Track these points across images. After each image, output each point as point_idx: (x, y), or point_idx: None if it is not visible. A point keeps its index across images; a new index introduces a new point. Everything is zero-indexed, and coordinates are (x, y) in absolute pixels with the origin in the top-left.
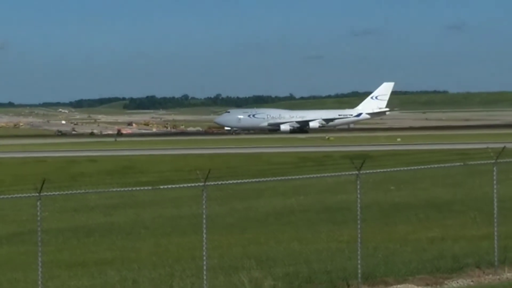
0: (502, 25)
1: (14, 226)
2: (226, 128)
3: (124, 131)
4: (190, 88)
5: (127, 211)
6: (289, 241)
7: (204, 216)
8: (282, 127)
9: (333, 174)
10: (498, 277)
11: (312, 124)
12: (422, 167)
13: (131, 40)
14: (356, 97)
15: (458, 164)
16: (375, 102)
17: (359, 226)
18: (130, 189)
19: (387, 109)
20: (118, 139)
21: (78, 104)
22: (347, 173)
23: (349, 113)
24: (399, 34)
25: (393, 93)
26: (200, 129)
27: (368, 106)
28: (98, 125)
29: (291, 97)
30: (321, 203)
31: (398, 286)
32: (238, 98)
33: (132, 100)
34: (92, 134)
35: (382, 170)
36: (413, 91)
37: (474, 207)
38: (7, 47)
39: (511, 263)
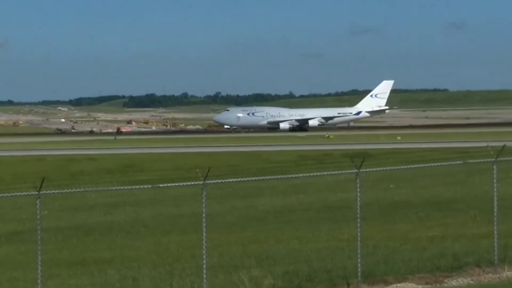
0: (502, 23)
1: (13, 225)
2: (225, 126)
3: (123, 130)
4: (190, 86)
5: (126, 210)
6: (289, 240)
7: (204, 215)
8: (282, 125)
9: (333, 172)
10: (498, 275)
11: (311, 123)
12: (422, 165)
13: (131, 38)
14: (356, 96)
15: (458, 162)
16: (375, 100)
17: (359, 225)
18: (129, 187)
19: (387, 107)
20: (118, 137)
21: (78, 102)
22: (347, 171)
23: (349, 112)
24: (399, 32)
25: (393, 91)
26: (200, 127)
27: (367, 104)
28: (98, 123)
29: (291, 95)
30: (321, 202)
31: (398, 285)
32: (238, 96)
33: (131, 98)
34: (91, 133)
35: (382, 169)
36: (413, 89)
37: (474, 206)
38: (6, 46)
39: (511, 262)
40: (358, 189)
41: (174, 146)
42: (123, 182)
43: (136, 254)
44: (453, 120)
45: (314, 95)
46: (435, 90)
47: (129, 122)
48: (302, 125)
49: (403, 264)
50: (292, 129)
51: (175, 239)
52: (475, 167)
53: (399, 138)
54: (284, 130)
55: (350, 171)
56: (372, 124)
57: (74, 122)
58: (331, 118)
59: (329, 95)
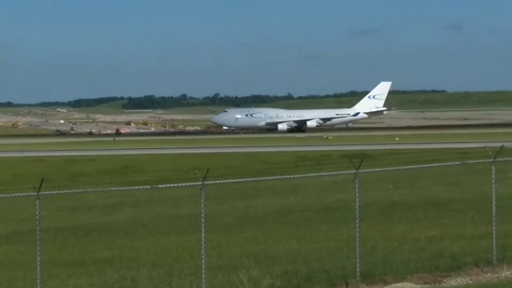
0: (500, 24)
1: (13, 226)
2: (224, 127)
3: (122, 131)
4: (189, 88)
5: (125, 211)
6: (288, 240)
7: (203, 215)
8: (280, 126)
9: (331, 173)
10: (496, 275)
11: (309, 124)
12: (421, 166)
13: (130, 40)
14: (355, 97)
15: (457, 163)
16: (373, 102)
17: (357, 225)
18: (128, 188)
19: (385, 108)
20: (117, 138)
21: (77, 104)
22: (345, 172)
23: (347, 113)
24: (398, 34)
25: (392, 92)
26: (199, 128)
27: (365, 106)
28: (97, 125)
29: (289, 97)
30: (320, 202)
31: (397, 284)
32: (236, 97)
33: (130, 99)
34: (90, 134)
35: (380, 169)
36: (412, 90)
37: (472, 206)
38: (5, 47)
39: (509, 262)
40: (356, 190)
41: (173, 147)
42: (122, 183)
43: (135, 254)
44: (451, 121)
45: (313, 96)
46: (433, 91)
47: (128, 123)
48: (300, 126)
49: (401, 264)
50: (290, 130)
51: (174, 239)
52: (474, 168)
53: (397, 139)
54: (282, 131)
55: (349, 171)
56: (370, 125)
57: (73, 124)
58: (329, 119)
59: (327, 96)
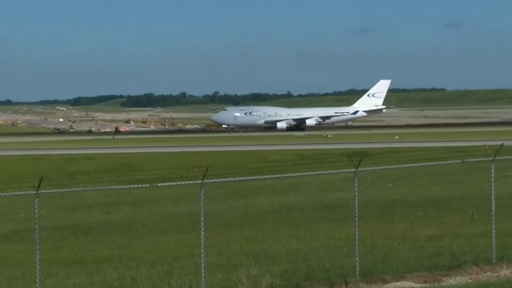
0: (500, 23)
1: (12, 224)
2: (223, 126)
3: (122, 129)
4: (188, 86)
5: (125, 209)
6: (287, 239)
7: (202, 214)
8: (279, 124)
9: (331, 171)
10: (496, 274)
11: (308, 122)
12: (420, 164)
13: (129, 38)
14: (354, 95)
15: (456, 161)
16: (372, 100)
17: (357, 224)
18: (127, 187)
19: (384, 106)
20: (116, 137)
21: (76, 102)
22: (345, 170)
23: (346, 111)
24: (397, 32)
25: (391, 90)
26: (198, 126)
27: (364, 104)
28: (96, 123)
29: (289, 95)
30: (319, 201)
31: (396, 283)
32: (236, 95)
33: (130, 98)
34: (90, 132)
35: (380, 168)
36: (411, 88)
37: (472, 205)
38: (5, 45)
39: (509, 260)
40: (356, 188)
41: (172, 146)
42: (121, 181)
43: (134, 253)
44: (451, 120)
45: (312, 95)
46: (433, 90)
47: (128, 121)
48: (299, 125)
49: (401, 263)
50: (289, 129)
51: (174, 238)
52: (473, 166)
53: (397, 137)
54: (281, 130)
55: (348, 170)
56: (370, 123)
57: (73, 122)
58: (328, 117)
59: (327, 94)
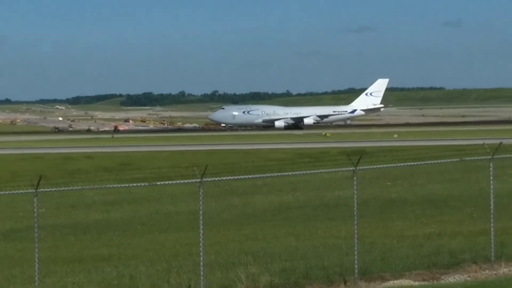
0: (498, 21)
1: (11, 223)
2: (222, 124)
3: (121, 128)
4: (187, 85)
5: (124, 208)
6: (286, 237)
7: (201, 212)
8: (277, 123)
9: (330, 170)
10: (494, 272)
11: (306, 121)
12: (419, 163)
13: (128, 36)
14: (353, 94)
15: (455, 160)
16: (370, 99)
17: (355, 222)
18: (126, 185)
19: (382, 105)
20: (115, 135)
21: (75, 101)
22: (344, 169)
23: (344, 110)
24: (396, 31)
25: (390, 89)
26: (197, 125)
27: (362, 103)
28: (95, 122)
29: (287, 94)
30: (318, 199)
31: (395, 281)
32: (235, 94)
33: (129, 96)
34: (89, 131)
35: (378, 166)
36: (410, 87)
37: (470, 203)
38: (4, 44)
39: (507, 259)
40: (355, 187)
41: (171, 144)
42: (120, 180)
43: (133, 251)
44: (450, 118)
45: (311, 94)
46: (431, 88)
47: (127, 120)
48: (297, 123)
49: (400, 261)
50: (287, 127)
51: (172, 236)
52: (472, 165)
53: (395, 135)
54: (279, 128)
55: (347, 168)
56: (369, 122)
57: (72, 121)
58: (326, 116)
59: (326, 93)
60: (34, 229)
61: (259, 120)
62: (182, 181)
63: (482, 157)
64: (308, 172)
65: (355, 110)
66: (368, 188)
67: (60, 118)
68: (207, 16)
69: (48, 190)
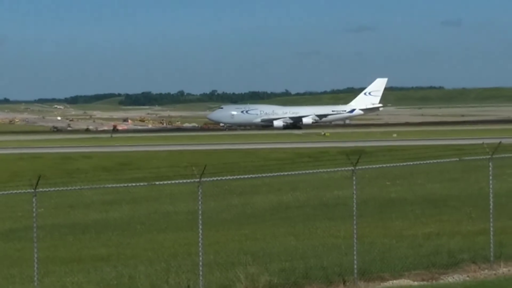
0: (498, 21)
1: (9, 223)
2: (220, 124)
3: (119, 127)
4: (186, 84)
5: (123, 207)
6: (285, 237)
7: (200, 212)
8: (275, 123)
9: (329, 169)
10: (494, 272)
11: (305, 120)
12: (418, 162)
13: (127, 36)
14: (352, 93)
15: (454, 159)
16: (369, 98)
17: (355, 222)
18: (125, 185)
19: (381, 104)
20: (114, 135)
21: (74, 100)
22: (343, 168)
23: (343, 109)
24: (395, 30)
25: (389, 89)
26: (196, 125)
27: (361, 102)
28: (94, 121)
29: (286, 93)
30: (318, 199)
31: (394, 281)
32: (234, 94)
33: (127, 96)
34: (87, 130)
35: (378, 166)
36: (409, 87)
37: (469, 203)
38: (3, 43)
39: (506, 258)
40: (354, 186)
41: (170, 144)
42: (119, 179)
43: (132, 251)
44: (449, 118)
45: (310, 93)
46: (430, 88)
47: (125, 120)
48: (296, 123)
49: (399, 261)
50: (286, 127)
51: (171, 236)
52: (471, 164)
53: (395, 135)
54: (278, 128)
55: (346, 168)
56: (368, 122)
57: (70, 120)
58: (325, 115)
59: (325, 93)
60: (33, 229)
61: (258, 120)
62: (181, 181)
63: (481, 157)
64: (307, 171)
65: (354, 110)
66: (368, 188)
67: (59, 118)
68: (206, 15)
69: (47, 190)
